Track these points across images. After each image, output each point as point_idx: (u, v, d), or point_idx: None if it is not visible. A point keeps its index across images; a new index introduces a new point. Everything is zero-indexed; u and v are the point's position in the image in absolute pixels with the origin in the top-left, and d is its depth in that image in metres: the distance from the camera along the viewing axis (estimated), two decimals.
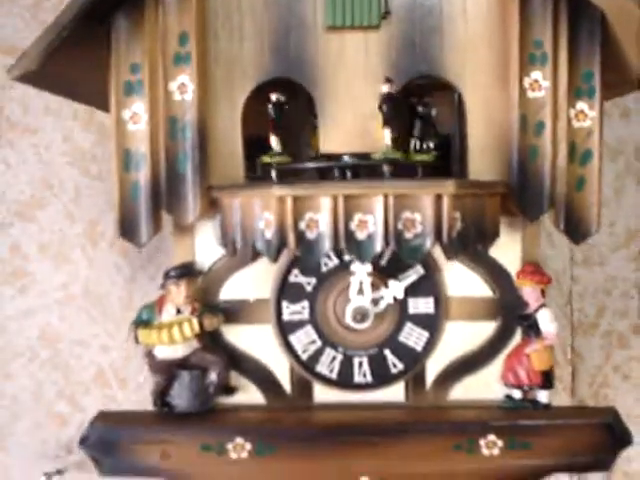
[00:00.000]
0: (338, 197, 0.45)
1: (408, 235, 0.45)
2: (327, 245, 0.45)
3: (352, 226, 0.45)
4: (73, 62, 0.52)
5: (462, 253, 0.50)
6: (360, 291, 0.53)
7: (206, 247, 0.55)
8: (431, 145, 0.54)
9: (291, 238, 0.45)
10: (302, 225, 0.45)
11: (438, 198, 0.45)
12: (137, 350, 0.80)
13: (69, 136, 0.80)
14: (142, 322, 0.55)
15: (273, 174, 0.52)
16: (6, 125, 0.80)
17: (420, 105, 0.53)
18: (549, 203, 0.52)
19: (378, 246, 0.45)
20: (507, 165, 0.52)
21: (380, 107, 0.49)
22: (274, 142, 0.53)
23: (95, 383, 0.82)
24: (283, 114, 0.53)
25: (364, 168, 0.53)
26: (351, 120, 0.54)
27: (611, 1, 0.49)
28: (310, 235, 0.45)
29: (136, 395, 0.82)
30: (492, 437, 0.53)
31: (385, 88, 0.50)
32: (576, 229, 0.53)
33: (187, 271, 0.54)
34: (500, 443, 0.53)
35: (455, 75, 0.54)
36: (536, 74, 0.51)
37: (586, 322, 0.81)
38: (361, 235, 0.45)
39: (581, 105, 0.52)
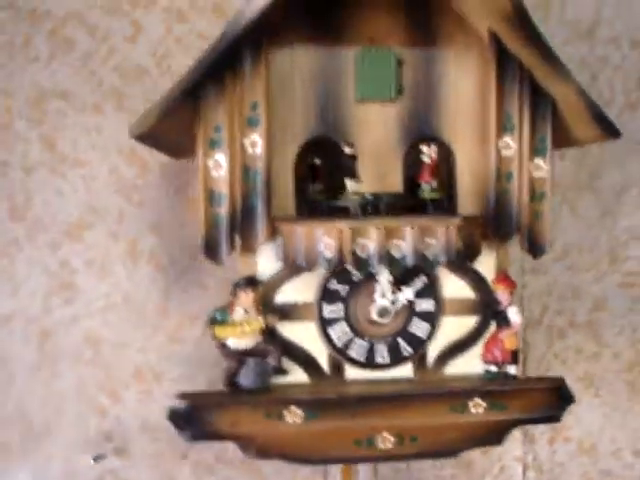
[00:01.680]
0: (381, 228, 0.64)
1: (428, 254, 0.65)
2: (374, 262, 0.64)
3: (390, 248, 0.64)
4: (171, 124, 0.68)
5: (458, 265, 0.70)
6: (382, 295, 0.72)
7: (265, 263, 0.73)
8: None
9: (349, 258, 0.64)
10: (356, 248, 0.64)
11: (447, 228, 0.65)
12: (169, 350, 0.96)
13: (114, 169, 0.95)
14: (217, 321, 0.71)
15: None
16: (59, 159, 0.94)
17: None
18: (515, 230, 0.73)
19: (409, 262, 0.65)
20: (486, 203, 0.73)
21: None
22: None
23: (133, 380, 0.97)
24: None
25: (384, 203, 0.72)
26: (373, 168, 0.73)
27: (557, 86, 0.71)
28: (361, 255, 0.64)
29: (170, 389, 0.96)
30: (478, 400, 0.73)
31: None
32: (534, 248, 0.74)
33: (253, 282, 0.71)
34: (483, 404, 0.73)
35: (448, 137, 0.74)
36: (507, 138, 0.72)
37: (533, 319, 1.02)
38: (397, 254, 0.64)
39: (538, 160, 0.73)
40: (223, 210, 0.69)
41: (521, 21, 0.66)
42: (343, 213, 0.70)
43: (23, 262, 0.94)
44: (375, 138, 0.73)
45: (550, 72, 0.69)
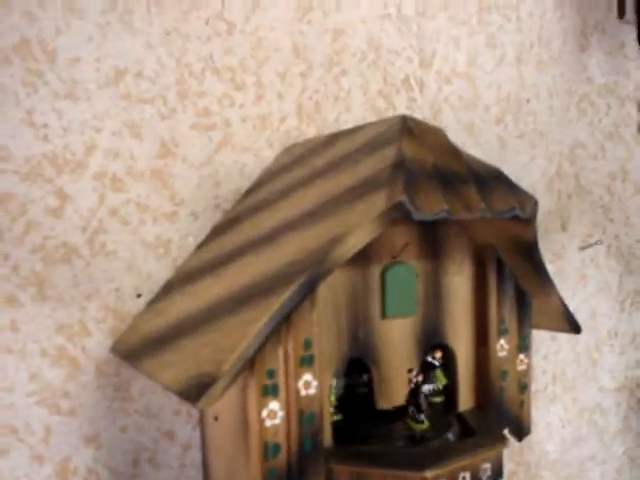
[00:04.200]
0: (457, 467, 0.65)
1: (484, 477, 0.68)
2: None
3: None
4: None
5: None
6: None
7: None
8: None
9: None
10: None
11: (498, 453, 0.69)
12: None
13: (36, 375, 0.75)
14: None
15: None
16: None
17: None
18: (507, 419, 0.81)
19: None
20: (484, 400, 0.79)
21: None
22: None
23: None
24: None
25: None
26: (397, 381, 0.73)
27: (541, 294, 0.80)
28: None
29: None
30: None
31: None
32: (519, 432, 0.83)
33: None
34: None
35: (452, 341, 0.78)
36: (502, 341, 0.79)
37: None
38: None
39: (521, 356, 0.82)
40: (279, 463, 0.62)
41: (531, 253, 0.74)
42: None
43: None
44: (396, 351, 0.73)
45: (538, 284, 0.79)
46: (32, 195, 0.75)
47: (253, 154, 0.90)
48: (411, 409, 0.73)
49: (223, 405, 0.75)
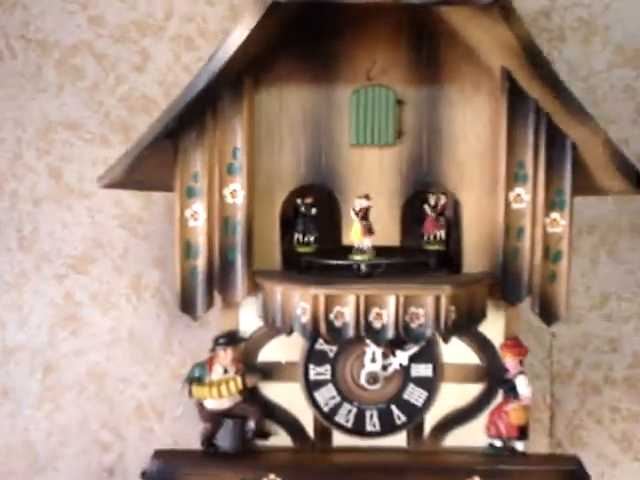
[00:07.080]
0: (360, 296, 0.57)
1: (413, 325, 0.58)
2: (351, 332, 0.58)
3: (370, 317, 0.58)
4: (147, 170, 0.64)
5: (456, 336, 0.62)
6: (373, 359, 0.65)
7: (248, 318, 0.68)
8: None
9: (322, 326, 0.58)
10: (331, 316, 0.58)
11: (437, 298, 0.58)
12: (172, 388, 0.93)
13: (119, 201, 0.92)
14: (195, 379, 0.67)
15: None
16: (65, 190, 0.92)
17: None
18: (527, 292, 0.65)
19: (390, 334, 0.58)
20: (494, 261, 0.65)
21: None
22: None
23: (135, 415, 0.94)
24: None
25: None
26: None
27: (580, 133, 0.62)
28: (337, 324, 0.58)
29: (172, 427, 0.94)
30: (477, 478, 0.65)
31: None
32: (548, 313, 0.66)
33: (233, 339, 0.67)
34: None
35: (454, 186, 0.66)
36: (519, 190, 0.64)
37: (564, 372, 0.93)
38: (377, 325, 0.58)
39: (554, 215, 0.64)
40: (200, 263, 0.65)
41: (531, 58, 0.58)
42: (336, 272, 0.64)
43: (30, 293, 0.94)
44: (369, 186, 0.66)
45: (569, 117, 0.61)
46: (121, 54, 0.91)
47: None
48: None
49: None
